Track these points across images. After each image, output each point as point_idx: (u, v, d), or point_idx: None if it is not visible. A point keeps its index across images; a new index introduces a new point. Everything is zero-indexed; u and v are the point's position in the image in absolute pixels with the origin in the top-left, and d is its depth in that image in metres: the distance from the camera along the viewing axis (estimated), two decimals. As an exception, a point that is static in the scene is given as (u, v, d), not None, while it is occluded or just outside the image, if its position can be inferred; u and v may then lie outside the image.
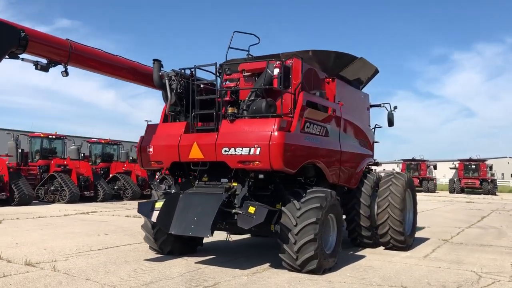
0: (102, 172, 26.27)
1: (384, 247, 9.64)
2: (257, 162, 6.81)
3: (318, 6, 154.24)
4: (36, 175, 23.34)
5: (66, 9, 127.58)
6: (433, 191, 46.36)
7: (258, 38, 8.55)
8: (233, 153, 6.96)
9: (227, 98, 8.12)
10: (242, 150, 6.88)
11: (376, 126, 11.22)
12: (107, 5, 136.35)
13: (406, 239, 9.46)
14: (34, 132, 25.49)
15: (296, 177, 8.14)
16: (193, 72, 7.73)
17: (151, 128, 8.05)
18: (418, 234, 12.10)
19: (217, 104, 7.42)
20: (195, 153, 7.32)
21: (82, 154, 25.66)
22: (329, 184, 8.44)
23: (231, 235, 9.65)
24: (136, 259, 8.06)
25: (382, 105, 11.50)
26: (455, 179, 46.03)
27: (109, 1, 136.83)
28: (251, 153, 6.81)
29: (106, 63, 7.43)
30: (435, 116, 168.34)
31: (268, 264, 7.78)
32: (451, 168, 50.54)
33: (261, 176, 7.08)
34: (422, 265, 8.02)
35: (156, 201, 7.72)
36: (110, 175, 25.86)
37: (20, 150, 23.27)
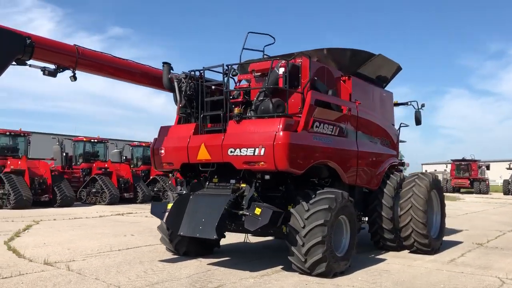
0: (143, 174, 26.89)
1: (408, 251, 9.27)
2: (262, 162, 6.72)
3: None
4: (79, 178, 24.26)
5: (118, 18, 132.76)
6: (486, 192, 44.29)
7: (273, 38, 8.46)
8: (239, 154, 6.90)
9: (240, 99, 8.08)
10: (247, 151, 6.82)
11: (402, 125, 10.84)
12: (157, 13, 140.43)
13: (431, 242, 9.05)
14: (78, 136, 26.48)
15: (309, 177, 7.99)
16: (202, 74, 7.73)
17: (163, 130, 8.13)
18: (452, 238, 11.61)
19: (225, 105, 7.38)
20: (203, 154, 7.33)
21: (124, 157, 26.42)
22: (346, 185, 8.23)
23: (249, 237, 9.59)
24: (151, 259, 8.15)
25: (409, 103, 11.13)
26: (510, 180, 43.63)
27: (159, 8, 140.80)
28: (256, 153, 6.73)
29: (116, 68, 7.57)
30: (492, 114, 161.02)
31: (280, 266, 7.65)
32: (507, 169, 47.87)
33: (267, 177, 6.98)
34: (443, 270, 7.64)
35: (169, 202, 7.79)
36: (151, 177, 26.44)
37: (64, 154, 24.28)
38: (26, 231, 11.95)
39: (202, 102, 7.66)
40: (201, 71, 7.73)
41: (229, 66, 7.27)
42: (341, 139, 7.91)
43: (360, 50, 8.73)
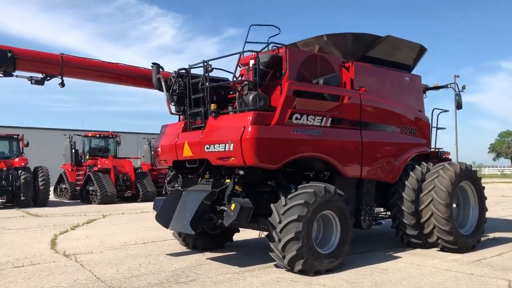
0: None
1: (437, 249, 8.46)
2: (233, 158, 6.64)
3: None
4: (165, 175, 25.81)
5: (233, 19, 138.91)
6: None
7: (279, 28, 8.25)
8: (213, 150, 6.91)
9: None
10: (219, 147, 6.80)
11: (436, 110, 9.88)
12: (270, 11, 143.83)
13: (458, 239, 8.15)
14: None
15: (304, 171, 7.72)
16: (189, 72, 7.82)
17: (163, 129, 8.41)
18: (515, 235, 10.37)
19: (206, 101, 7.40)
20: (187, 151, 7.45)
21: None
22: (349, 178, 7.79)
23: (263, 232, 9.48)
24: (159, 253, 8.48)
25: (449, 86, 10.12)
26: None
27: (272, 9, 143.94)
28: (226, 149, 6.69)
29: (105, 72, 7.96)
30: None
31: (274, 262, 7.47)
32: None
33: (241, 172, 6.87)
34: (452, 271, 6.88)
35: None
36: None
37: (152, 152, 26.05)
38: (85, 224, 13.12)
39: (190, 99, 7.76)
40: (187, 69, 7.82)
41: (206, 62, 7.27)
42: (335, 130, 7.47)
43: (362, 33, 8.12)
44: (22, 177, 19.29)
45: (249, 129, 6.49)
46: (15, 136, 21.32)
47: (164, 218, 7.56)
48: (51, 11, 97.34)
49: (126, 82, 8.34)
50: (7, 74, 7.17)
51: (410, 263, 7.40)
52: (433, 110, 9.84)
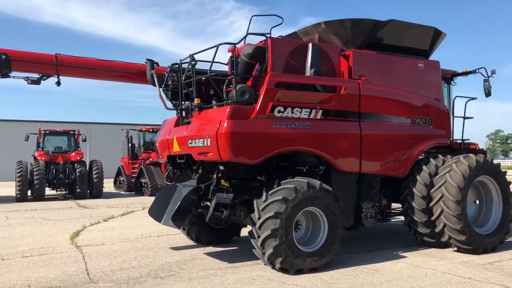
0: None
1: (453, 249, 7.83)
2: (211, 153, 6.54)
3: None
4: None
5: (310, 9, 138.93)
6: None
7: (282, 18, 8.01)
8: (194, 145, 6.85)
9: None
10: (199, 142, 6.73)
11: (459, 98, 9.08)
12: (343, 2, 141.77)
13: (473, 239, 7.48)
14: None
15: (296, 166, 7.44)
16: (180, 66, 7.77)
17: (163, 124, 8.47)
18: None
19: (192, 95, 7.32)
20: (176, 147, 7.44)
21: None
22: (348, 172, 7.41)
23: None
24: (163, 247, 8.58)
25: (477, 71, 9.26)
26: None
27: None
28: (205, 144, 6.60)
29: (101, 69, 8.12)
30: None
31: (266, 259, 7.31)
32: None
33: (221, 167, 6.75)
34: (449, 274, 6.33)
35: None
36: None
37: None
38: (119, 216, 13.63)
39: (182, 94, 7.74)
40: (179, 64, 7.79)
41: (192, 57, 7.19)
42: (327, 123, 7.09)
43: (361, 18, 7.60)
44: (78, 170, 20.56)
45: (225, 123, 6.35)
46: (72, 132, 22.74)
47: (156, 213, 7.63)
48: (134, 11, 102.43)
49: (123, 78, 8.49)
50: (4, 75, 7.59)
51: (410, 264, 6.91)
52: (454, 98, 9.07)
